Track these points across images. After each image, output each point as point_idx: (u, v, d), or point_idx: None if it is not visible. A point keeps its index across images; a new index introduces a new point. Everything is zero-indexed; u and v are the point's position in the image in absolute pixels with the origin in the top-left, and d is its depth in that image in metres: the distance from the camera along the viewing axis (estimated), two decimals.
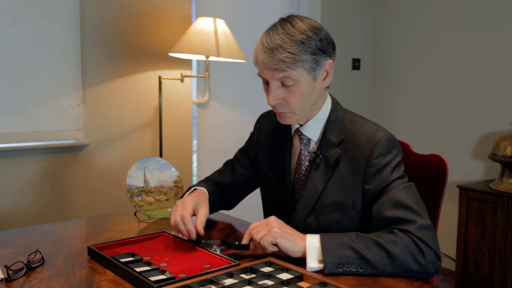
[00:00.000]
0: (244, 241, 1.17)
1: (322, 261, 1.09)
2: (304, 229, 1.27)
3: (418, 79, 3.31)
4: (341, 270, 1.08)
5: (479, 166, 2.98)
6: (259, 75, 1.25)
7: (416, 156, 1.45)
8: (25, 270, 1.09)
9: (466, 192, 2.63)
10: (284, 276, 1.05)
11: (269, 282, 1.02)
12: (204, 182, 1.52)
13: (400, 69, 3.43)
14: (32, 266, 1.11)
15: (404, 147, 1.47)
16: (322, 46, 1.21)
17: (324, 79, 1.26)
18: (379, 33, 3.54)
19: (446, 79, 3.15)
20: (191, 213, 1.29)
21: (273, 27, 1.22)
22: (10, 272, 1.05)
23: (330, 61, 1.25)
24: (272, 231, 1.13)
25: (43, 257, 1.16)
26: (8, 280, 1.04)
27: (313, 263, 1.10)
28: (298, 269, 1.08)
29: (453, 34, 3.09)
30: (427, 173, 1.41)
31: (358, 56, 3.49)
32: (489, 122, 2.91)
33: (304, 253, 1.12)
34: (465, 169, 3.01)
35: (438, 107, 3.19)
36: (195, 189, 1.45)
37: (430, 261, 1.11)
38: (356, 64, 3.48)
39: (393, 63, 3.47)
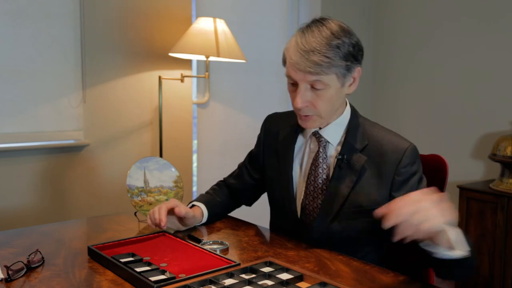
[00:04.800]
0: (395, 219, 0.90)
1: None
2: (328, 235, 1.28)
3: (418, 79, 3.31)
4: (471, 256, 1.01)
5: (479, 166, 2.98)
6: (288, 75, 1.23)
7: None
8: (25, 270, 1.08)
9: (466, 192, 2.63)
10: (284, 276, 1.05)
11: (269, 282, 1.02)
12: (211, 191, 1.58)
13: (400, 69, 3.43)
14: (32, 266, 1.11)
15: None
16: (354, 52, 1.21)
17: (350, 85, 1.26)
18: (379, 33, 3.54)
19: (446, 79, 3.15)
20: (170, 207, 1.35)
21: (308, 28, 1.20)
22: (10, 272, 1.05)
23: (359, 68, 1.25)
24: (437, 213, 0.91)
25: (43, 257, 1.16)
26: (8, 280, 1.04)
27: (459, 247, 0.99)
28: (298, 269, 1.08)
29: (453, 34, 3.09)
30: (427, 173, 1.40)
31: None
32: (489, 122, 2.91)
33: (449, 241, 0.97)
34: (465, 169, 3.01)
35: (438, 107, 3.19)
36: (193, 205, 1.49)
37: None
38: None
39: (393, 63, 3.47)
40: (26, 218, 2.31)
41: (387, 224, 0.91)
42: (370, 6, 3.53)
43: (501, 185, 2.55)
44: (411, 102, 3.36)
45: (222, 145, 3.03)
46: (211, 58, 2.42)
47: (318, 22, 1.21)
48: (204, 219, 1.47)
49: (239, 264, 1.10)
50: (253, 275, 1.05)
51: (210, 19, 2.42)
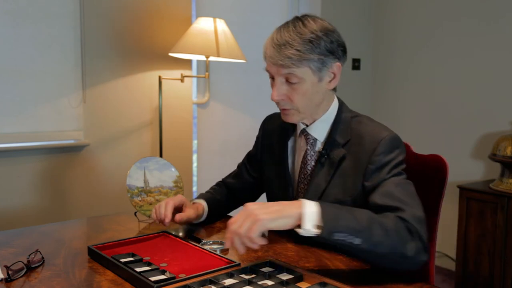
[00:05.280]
0: (228, 243, 1.03)
1: (319, 227, 1.01)
2: None
3: (418, 79, 3.31)
4: (336, 238, 1.01)
5: (479, 166, 2.98)
6: (266, 70, 1.27)
7: (416, 156, 1.45)
8: (25, 270, 1.08)
9: (466, 192, 2.63)
10: (284, 276, 1.05)
11: (269, 282, 1.02)
12: (211, 190, 1.57)
13: (400, 69, 3.43)
14: (32, 266, 1.11)
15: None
16: (332, 48, 1.22)
17: (331, 81, 1.27)
18: (379, 33, 3.54)
19: (446, 79, 3.15)
20: (177, 204, 1.36)
21: (285, 24, 1.24)
22: (10, 272, 1.05)
23: (338, 63, 1.25)
24: (258, 219, 1.00)
25: (43, 257, 1.16)
26: (8, 280, 1.04)
27: (309, 226, 1.01)
28: (298, 269, 1.08)
29: (453, 34, 3.09)
30: (427, 173, 1.41)
31: (358, 56, 3.49)
32: (489, 122, 2.91)
33: (299, 219, 1.02)
34: (465, 169, 3.01)
35: (438, 107, 3.19)
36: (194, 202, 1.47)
37: (419, 250, 1.07)
38: (356, 64, 3.48)
39: (393, 63, 3.47)
40: (26, 218, 2.31)
41: (228, 247, 1.06)
42: (370, 6, 3.53)
43: (501, 185, 2.55)
44: (411, 102, 3.36)
45: (222, 145, 3.03)
46: (211, 58, 2.42)
47: (297, 18, 1.24)
48: (204, 216, 1.46)
49: (239, 264, 1.10)
50: (253, 275, 1.05)
51: (210, 19, 2.42)
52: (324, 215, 1.02)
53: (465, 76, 3.04)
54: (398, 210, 1.11)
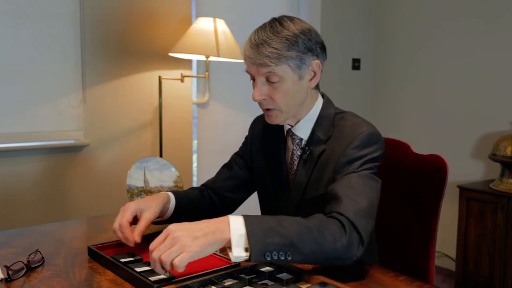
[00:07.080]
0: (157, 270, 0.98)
1: (247, 249, 0.98)
2: None
3: (418, 79, 3.32)
4: (268, 258, 0.98)
5: (479, 166, 2.98)
6: (247, 71, 1.28)
7: (416, 156, 1.45)
8: (25, 270, 1.08)
9: (466, 192, 2.63)
10: (284, 276, 1.05)
11: (269, 282, 1.02)
12: (187, 189, 1.46)
13: (400, 69, 3.43)
14: (32, 266, 1.11)
15: (404, 147, 1.47)
16: (310, 46, 1.22)
17: (311, 79, 1.26)
18: (379, 33, 3.54)
19: (446, 79, 3.15)
20: (130, 219, 1.20)
21: (263, 25, 1.25)
22: (10, 272, 1.05)
23: (317, 61, 1.24)
24: (188, 251, 0.95)
25: (43, 257, 1.16)
26: (8, 280, 1.04)
27: (239, 251, 0.98)
28: (298, 269, 1.08)
29: (453, 34, 3.09)
30: (427, 173, 1.41)
31: (358, 56, 3.49)
32: (489, 122, 2.91)
33: (229, 242, 0.98)
34: (465, 169, 3.01)
35: (438, 107, 3.19)
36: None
37: (351, 244, 1.04)
38: (356, 64, 3.48)
39: (393, 63, 3.47)
40: (26, 218, 2.31)
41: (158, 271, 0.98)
42: (370, 6, 3.53)
43: (501, 185, 2.55)
44: (411, 102, 3.36)
45: (222, 145, 3.03)
46: (211, 58, 2.42)
47: (274, 19, 1.25)
48: (172, 205, 1.35)
49: (239, 264, 1.10)
50: (253, 275, 1.05)
51: (210, 19, 2.42)
52: (251, 237, 0.98)
53: (465, 76, 3.04)
54: (345, 204, 1.09)
